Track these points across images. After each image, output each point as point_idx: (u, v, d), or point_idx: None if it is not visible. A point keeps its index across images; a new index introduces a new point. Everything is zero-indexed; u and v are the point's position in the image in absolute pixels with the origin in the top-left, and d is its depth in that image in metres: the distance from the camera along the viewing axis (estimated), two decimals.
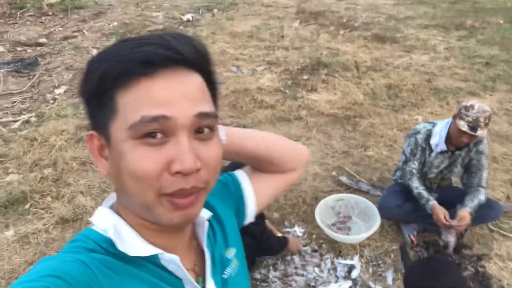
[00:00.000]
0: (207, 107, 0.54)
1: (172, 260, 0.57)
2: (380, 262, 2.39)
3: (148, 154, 0.50)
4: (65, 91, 4.88)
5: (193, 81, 0.54)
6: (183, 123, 0.51)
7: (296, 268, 2.35)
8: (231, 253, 0.74)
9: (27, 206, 2.89)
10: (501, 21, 7.29)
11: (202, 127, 0.53)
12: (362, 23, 7.41)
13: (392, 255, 2.44)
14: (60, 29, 7.79)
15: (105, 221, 0.58)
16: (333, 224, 2.68)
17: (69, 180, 3.18)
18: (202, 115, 0.52)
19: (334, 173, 3.21)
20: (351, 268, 2.35)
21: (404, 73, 5.06)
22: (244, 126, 3.94)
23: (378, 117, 4.07)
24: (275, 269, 2.34)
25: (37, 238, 2.62)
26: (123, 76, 0.51)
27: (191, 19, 7.78)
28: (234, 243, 0.76)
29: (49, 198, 2.98)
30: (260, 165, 0.82)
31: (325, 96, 4.54)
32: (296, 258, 2.40)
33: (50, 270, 0.48)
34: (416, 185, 2.44)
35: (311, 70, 5.24)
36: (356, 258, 2.41)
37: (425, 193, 2.41)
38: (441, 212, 2.29)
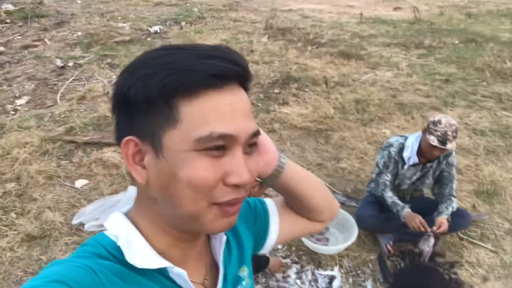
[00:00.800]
0: (255, 125, 0.57)
1: (180, 275, 0.57)
2: (359, 272, 2.44)
3: (211, 164, 0.51)
4: (27, 102, 4.66)
5: (246, 99, 0.56)
6: (242, 140, 0.53)
7: (277, 281, 2.34)
8: (244, 271, 0.74)
9: None
10: (456, 42, 7.78)
11: (252, 144, 0.56)
12: (328, 40, 7.65)
13: (370, 265, 2.49)
14: (19, 37, 7.47)
15: (117, 227, 0.58)
16: (311, 236, 2.70)
17: (35, 195, 3.01)
18: (254, 134, 0.56)
19: None
20: (331, 278, 2.37)
21: (371, 89, 5.26)
22: None
23: (348, 130, 4.18)
24: (257, 283, 2.32)
25: (1, 257, 2.45)
26: (192, 86, 0.51)
27: (158, 31, 7.71)
28: (248, 263, 0.76)
29: (13, 214, 2.81)
30: (296, 206, 0.80)
31: (297, 109, 4.61)
32: None
33: (56, 275, 0.48)
34: (390, 195, 2.52)
35: (282, 84, 5.33)
36: (336, 268, 2.44)
37: (399, 202, 2.49)
38: (416, 218, 2.38)
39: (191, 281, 0.59)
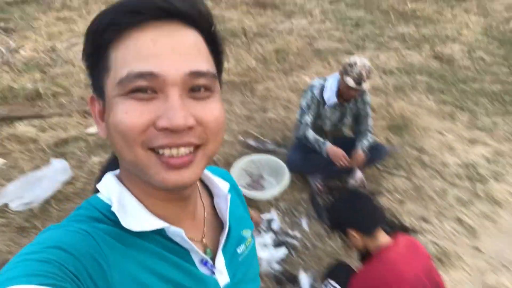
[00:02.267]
0: (203, 65, 0.50)
1: (178, 233, 0.56)
2: (294, 211, 2.63)
3: (134, 107, 0.47)
4: None
5: (188, 37, 0.50)
6: (173, 81, 0.47)
7: None
8: (247, 232, 0.74)
9: None
10: None
11: (198, 87, 0.50)
12: None
13: (303, 204, 2.70)
14: None
15: (110, 190, 0.56)
16: (248, 185, 2.83)
17: None
18: (195, 74, 0.49)
19: (240, 137, 3.34)
20: (270, 221, 2.54)
21: (288, 38, 5.36)
22: None
23: (271, 80, 4.28)
24: None
25: None
26: (113, 28, 0.48)
27: None
28: (250, 226, 0.77)
29: None
30: None
31: None
32: None
33: (53, 241, 0.47)
34: (312, 134, 2.70)
35: None
36: (273, 211, 2.61)
37: (320, 138, 2.68)
38: (338, 152, 2.60)
39: (189, 239, 0.57)
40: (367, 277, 1.63)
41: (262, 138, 3.34)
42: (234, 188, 0.78)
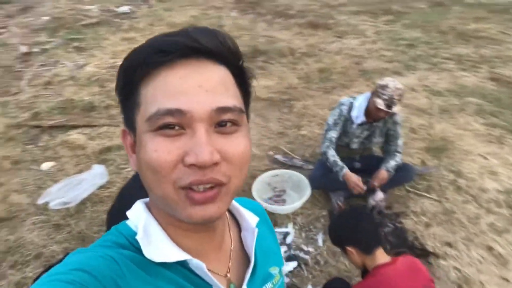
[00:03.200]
0: (230, 101, 0.51)
1: (199, 267, 0.55)
2: (311, 227, 2.60)
3: (163, 144, 0.49)
4: None
5: (216, 73, 0.52)
6: (200, 117, 0.48)
7: None
8: (275, 270, 0.72)
9: None
10: (423, 6, 7.87)
11: (224, 121, 0.51)
12: (298, 11, 7.67)
13: (322, 220, 2.66)
14: None
15: (138, 217, 0.58)
16: (269, 198, 2.86)
17: (1, 180, 3.08)
18: (222, 110, 0.50)
19: (270, 152, 3.38)
20: (285, 235, 2.53)
21: (335, 57, 5.36)
22: None
23: (311, 99, 4.30)
24: None
25: None
26: (143, 67, 0.50)
27: (127, 11, 7.61)
28: (280, 264, 0.75)
29: None
30: None
31: (263, 82, 4.70)
32: None
33: (79, 263, 0.50)
34: (332, 154, 2.66)
35: (249, 58, 5.38)
36: (290, 225, 2.60)
37: (339, 162, 2.63)
38: (354, 177, 2.54)
39: (212, 272, 0.57)
40: None
41: (291, 154, 3.35)
42: (265, 222, 0.77)
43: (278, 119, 3.96)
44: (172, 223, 0.56)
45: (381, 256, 1.66)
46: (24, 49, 5.84)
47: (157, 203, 0.55)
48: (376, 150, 2.98)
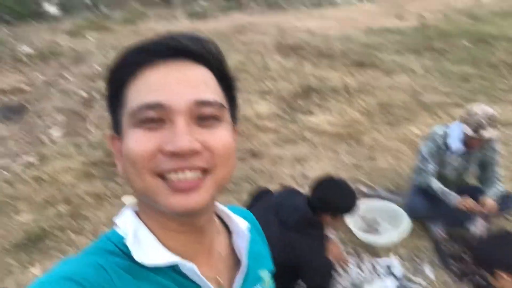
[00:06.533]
0: (210, 95, 0.53)
1: (190, 269, 0.56)
2: (415, 258, 2.47)
3: (142, 135, 0.50)
4: (64, 134, 4.84)
5: (197, 72, 0.54)
6: (179, 109, 0.50)
7: (338, 274, 2.37)
8: (264, 273, 0.73)
9: (48, 243, 2.80)
10: (466, 43, 7.91)
11: (205, 116, 0.52)
12: (340, 52, 7.83)
13: (425, 251, 2.52)
14: (41, 76, 7.78)
15: (126, 224, 0.57)
16: (360, 229, 2.75)
17: (87, 214, 3.12)
18: (201, 103, 0.51)
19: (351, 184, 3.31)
20: (389, 266, 2.41)
21: (390, 92, 5.36)
22: (251, 149, 4.03)
23: (378, 132, 4.26)
24: None
25: None
26: (128, 66, 0.53)
27: None
28: (269, 266, 0.76)
29: (70, 233, 2.90)
30: None
31: (323, 117, 4.72)
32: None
33: (68, 272, 0.50)
34: (436, 183, 2.57)
35: (304, 95, 5.46)
36: (393, 256, 2.47)
37: (447, 190, 2.54)
38: (469, 200, 2.42)
39: (203, 275, 0.57)
40: None
41: (373, 185, 3.27)
42: (255, 227, 0.77)
43: (348, 152, 3.91)
44: (161, 224, 0.56)
45: None
46: (84, 94, 6.15)
47: (140, 199, 0.56)
48: (470, 180, 2.86)
